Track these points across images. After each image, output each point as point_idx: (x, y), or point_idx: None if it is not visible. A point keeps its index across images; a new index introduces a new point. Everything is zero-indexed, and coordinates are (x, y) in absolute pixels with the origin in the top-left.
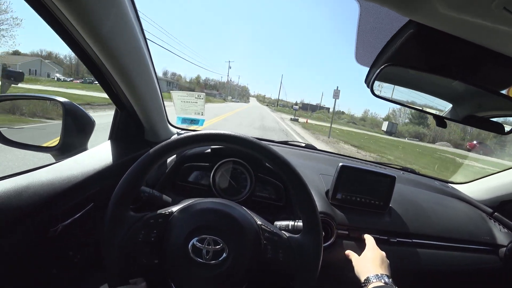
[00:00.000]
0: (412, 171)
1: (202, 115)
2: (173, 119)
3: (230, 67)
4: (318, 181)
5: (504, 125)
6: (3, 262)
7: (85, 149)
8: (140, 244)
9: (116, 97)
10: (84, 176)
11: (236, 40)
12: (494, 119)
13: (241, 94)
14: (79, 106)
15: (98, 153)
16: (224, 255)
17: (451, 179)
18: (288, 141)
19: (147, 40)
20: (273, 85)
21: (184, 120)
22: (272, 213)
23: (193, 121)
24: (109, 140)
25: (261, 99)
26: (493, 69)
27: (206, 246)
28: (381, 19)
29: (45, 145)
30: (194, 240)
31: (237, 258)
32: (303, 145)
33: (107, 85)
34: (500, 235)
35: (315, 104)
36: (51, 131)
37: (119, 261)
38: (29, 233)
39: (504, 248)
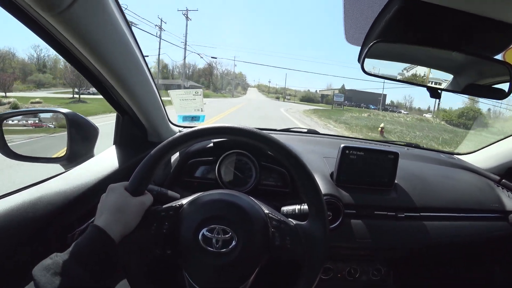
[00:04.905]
0: (417, 146)
1: (202, 111)
2: (175, 119)
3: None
4: (322, 164)
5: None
6: (26, 271)
7: (91, 156)
8: (153, 236)
9: (116, 103)
10: (93, 182)
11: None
12: (493, 86)
13: (232, 84)
14: (82, 116)
15: (105, 159)
16: (234, 243)
17: (456, 151)
18: (290, 128)
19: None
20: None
21: (185, 118)
22: (279, 199)
23: (194, 118)
24: (114, 145)
25: (265, 90)
26: (485, 35)
27: (215, 236)
28: None
29: (54, 156)
30: (204, 230)
31: (246, 246)
32: (305, 130)
33: (106, 93)
34: (508, 201)
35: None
36: (56, 142)
37: (138, 258)
38: (47, 241)
39: None
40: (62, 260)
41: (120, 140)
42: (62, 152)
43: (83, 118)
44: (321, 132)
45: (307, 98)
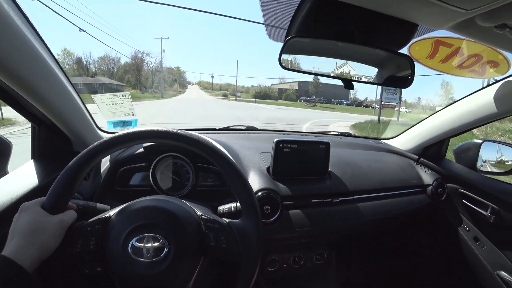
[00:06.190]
0: (349, 135)
1: (133, 115)
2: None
3: None
4: (258, 159)
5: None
6: None
7: (5, 173)
8: (78, 254)
9: (27, 113)
10: (7, 203)
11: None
12: (398, 75)
13: (168, 81)
14: None
15: (21, 176)
16: (166, 250)
17: (383, 136)
18: (229, 127)
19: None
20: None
21: (116, 124)
22: (218, 199)
23: (126, 123)
24: (32, 160)
25: (207, 87)
26: (389, 31)
27: (145, 245)
28: None
29: None
30: (133, 241)
31: (179, 251)
32: (244, 127)
33: (13, 101)
34: (426, 176)
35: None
36: None
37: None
38: None
39: (430, 187)
40: None
41: (39, 153)
42: None
43: None
44: (259, 128)
45: (262, 95)
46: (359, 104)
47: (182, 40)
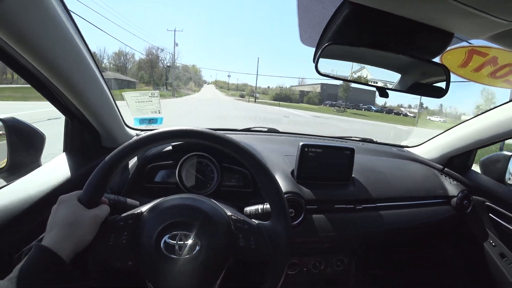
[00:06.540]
0: (371, 141)
1: (159, 113)
2: (131, 121)
3: None
4: (283, 163)
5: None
6: None
7: (38, 165)
8: (111, 248)
9: (62, 107)
10: (41, 194)
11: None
12: (433, 85)
13: (183, 79)
14: (25, 121)
15: (54, 168)
16: (197, 248)
17: (405, 144)
18: (251, 128)
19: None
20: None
21: (142, 121)
22: (242, 200)
23: (152, 121)
24: (64, 153)
25: (223, 86)
26: (424, 40)
27: (178, 242)
28: (319, 1)
29: None
30: (166, 237)
31: (210, 250)
32: (266, 129)
33: (50, 95)
34: (451, 187)
35: None
36: None
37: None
38: None
39: (455, 198)
40: None
41: (71, 146)
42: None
43: (25, 124)
44: (281, 130)
45: (282, 97)
46: (389, 111)
47: (198, 36)
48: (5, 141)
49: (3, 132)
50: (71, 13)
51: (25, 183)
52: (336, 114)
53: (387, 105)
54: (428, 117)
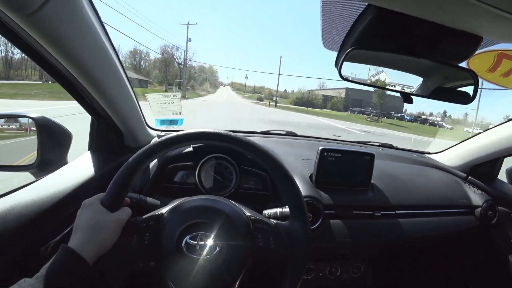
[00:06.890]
0: (391, 146)
1: (180, 114)
2: (152, 122)
3: None
4: (301, 166)
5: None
6: None
7: (65, 163)
8: (134, 249)
9: (90, 107)
10: (67, 190)
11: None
12: (459, 90)
13: (198, 80)
14: (54, 120)
15: (79, 166)
16: (218, 249)
17: (427, 150)
18: (269, 131)
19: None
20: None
21: (163, 122)
22: (260, 203)
23: (172, 122)
24: (89, 151)
25: (240, 88)
26: (452, 44)
27: (199, 242)
28: (343, 5)
29: (22, 163)
30: (187, 238)
31: (231, 250)
32: (284, 132)
33: (79, 95)
34: (475, 196)
35: None
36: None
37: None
38: (18, 256)
39: (479, 208)
40: (30, 286)
41: (96, 145)
42: (28, 158)
43: (55, 123)
44: (299, 134)
45: (304, 101)
46: (423, 121)
47: (214, 34)
48: (34, 137)
49: (34, 128)
50: (99, 15)
51: (53, 180)
52: (370, 125)
53: (419, 112)
54: (465, 129)
